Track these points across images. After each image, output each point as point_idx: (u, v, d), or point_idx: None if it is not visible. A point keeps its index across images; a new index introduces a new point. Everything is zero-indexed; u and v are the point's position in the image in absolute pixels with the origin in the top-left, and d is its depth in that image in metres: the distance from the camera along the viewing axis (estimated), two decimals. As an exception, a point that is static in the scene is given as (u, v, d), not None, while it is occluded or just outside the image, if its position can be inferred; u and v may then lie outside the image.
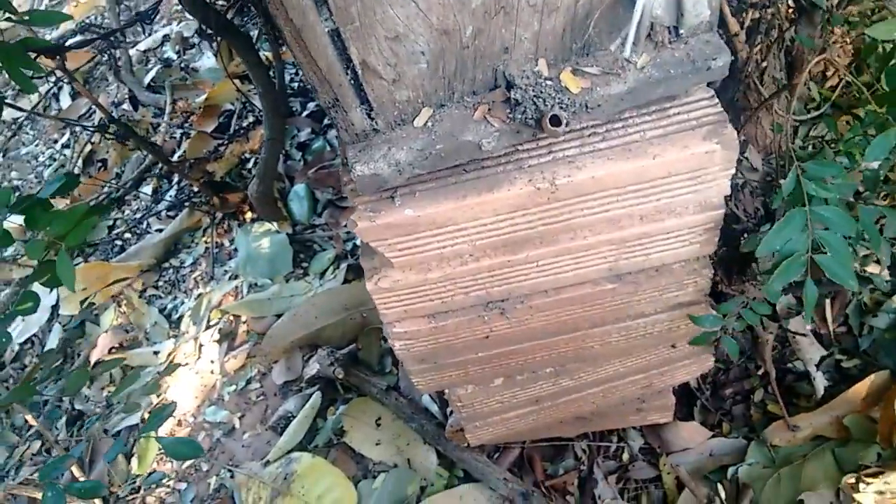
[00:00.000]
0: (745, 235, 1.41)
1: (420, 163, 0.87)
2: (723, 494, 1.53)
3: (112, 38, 2.26)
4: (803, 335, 1.53)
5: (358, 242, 2.39)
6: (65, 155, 3.37)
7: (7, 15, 1.21)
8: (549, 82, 0.84)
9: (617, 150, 0.90)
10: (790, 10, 1.37)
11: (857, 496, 1.30)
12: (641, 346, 1.27)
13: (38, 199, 1.18)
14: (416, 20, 0.77)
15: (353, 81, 0.82)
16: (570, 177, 0.90)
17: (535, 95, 0.83)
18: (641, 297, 1.13)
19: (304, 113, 2.96)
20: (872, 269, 1.52)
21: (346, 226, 2.48)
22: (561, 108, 0.83)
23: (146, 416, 2.08)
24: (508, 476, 1.64)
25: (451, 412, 1.67)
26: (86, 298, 2.39)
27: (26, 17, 1.21)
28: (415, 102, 0.87)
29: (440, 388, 1.30)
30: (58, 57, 1.52)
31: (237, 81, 2.92)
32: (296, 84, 3.13)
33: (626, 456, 1.68)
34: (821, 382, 1.52)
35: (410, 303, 1.07)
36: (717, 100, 0.91)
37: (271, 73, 2.64)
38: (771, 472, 1.48)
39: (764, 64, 1.38)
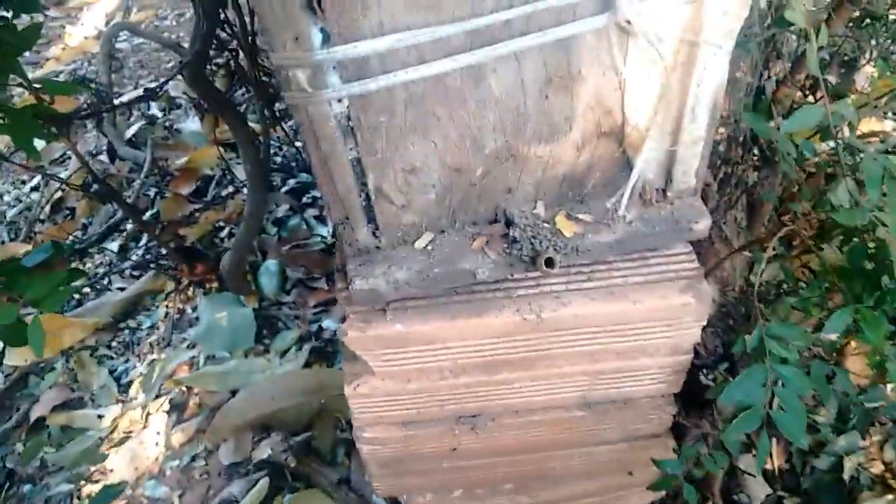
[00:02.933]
0: (705, 371, 1.48)
1: (417, 283, 0.91)
2: None
3: (105, 98, 2.29)
4: (752, 475, 1.58)
5: (326, 325, 2.40)
6: (32, 199, 3.32)
7: (19, 81, 1.24)
8: (545, 225, 0.91)
9: (601, 292, 0.96)
10: (756, 159, 1.49)
11: None
12: (601, 471, 1.30)
13: (21, 266, 1.17)
14: (433, 158, 0.83)
15: (364, 203, 0.86)
16: (556, 311, 0.95)
17: (532, 235, 0.89)
18: (607, 426, 1.17)
19: (284, 189, 3.01)
20: (819, 417, 1.59)
21: (313, 306, 2.48)
22: (555, 249, 0.89)
23: (83, 484, 1.99)
24: (452, 587, 1.61)
25: (403, 515, 1.65)
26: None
27: (39, 86, 1.24)
28: (419, 226, 0.92)
29: (399, 493, 1.30)
30: (63, 128, 1.54)
31: (221, 149, 2.97)
32: (279, 159, 3.19)
33: (571, 576, 1.67)
34: (765, 522, 1.56)
35: (386, 410, 1.08)
36: (694, 256, 0.99)
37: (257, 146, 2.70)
38: None
39: (730, 210, 1.49)
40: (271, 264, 2.58)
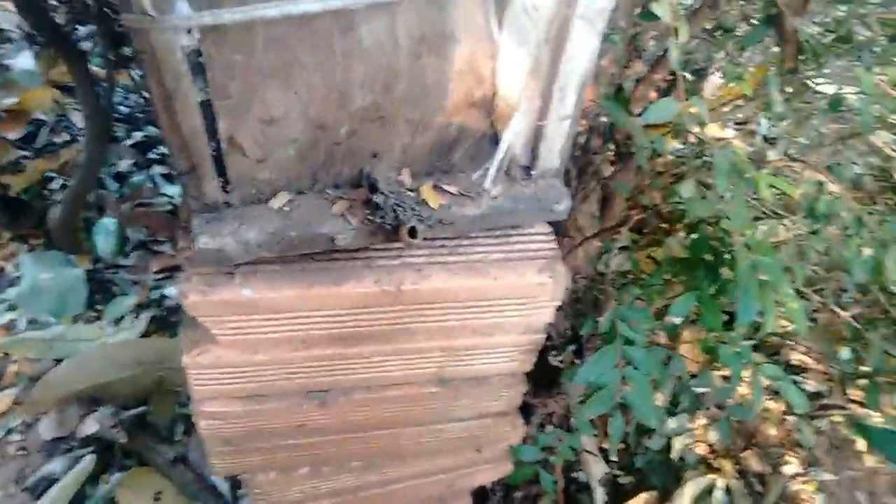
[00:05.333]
0: (555, 352, 1.52)
1: (270, 245, 0.84)
2: None
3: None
4: (592, 453, 1.66)
5: (169, 293, 2.23)
6: None
7: None
8: (410, 193, 0.87)
9: (462, 266, 0.94)
10: (612, 153, 1.55)
11: None
12: (450, 449, 1.30)
13: None
14: (295, 109, 0.76)
15: (214, 154, 0.78)
16: (416, 284, 0.92)
17: (396, 203, 0.85)
18: (459, 403, 1.16)
19: (128, 142, 2.76)
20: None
21: (155, 272, 2.30)
22: (419, 220, 0.86)
23: None
24: (292, 567, 1.55)
25: (243, 495, 1.57)
26: None
27: None
28: (275, 184, 0.85)
29: (241, 472, 1.22)
30: None
31: (57, 92, 2.66)
32: (124, 109, 2.92)
33: (415, 552, 1.68)
34: (600, 497, 1.64)
35: (228, 382, 1.01)
36: (553, 237, 1.00)
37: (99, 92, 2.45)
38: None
39: (586, 201, 1.54)
40: (109, 223, 2.36)
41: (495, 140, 0.88)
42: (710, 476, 1.73)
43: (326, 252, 0.91)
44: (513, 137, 0.84)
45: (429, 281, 0.92)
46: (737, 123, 2.24)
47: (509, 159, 0.89)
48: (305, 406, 1.08)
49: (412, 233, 0.84)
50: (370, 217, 0.86)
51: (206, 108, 0.73)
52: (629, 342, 1.01)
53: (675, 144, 1.39)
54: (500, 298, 0.97)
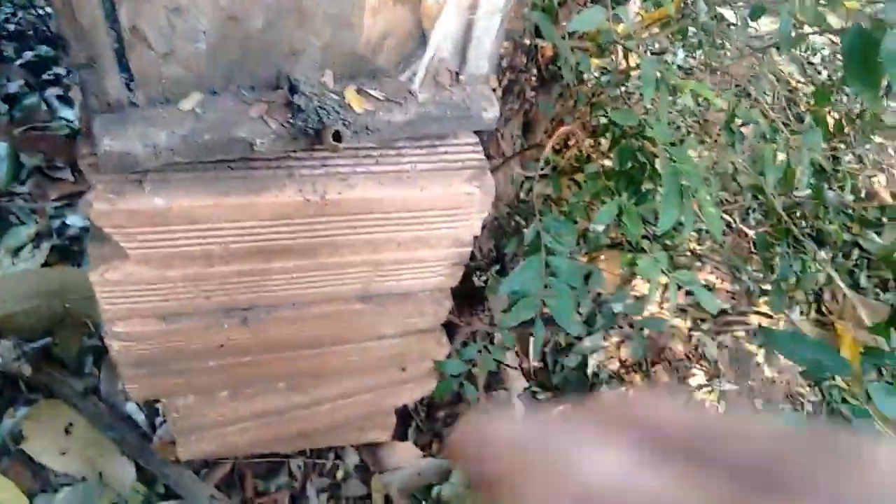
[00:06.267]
0: (478, 272, 1.54)
1: (182, 150, 0.79)
2: (425, 511, 1.62)
3: None
4: (512, 367, 1.71)
5: (70, 222, 2.09)
6: None
7: None
8: (333, 96, 0.83)
9: (389, 177, 0.92)
10: (535, 79, 1.54)
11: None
12: (376, 367, 1.30)
13: None
14: (205, -3, 0.70)
15: (116, 45, 0.71)
16: (341, 194, 0.89)
17: (318, 106, 0.81)
18: (385, 320, 1.16)
19: (18, 62, 2.52)
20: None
21: (54, 199, 2.15)
22: (343, 124, 0.82)
23: None
24: (216, 493, 1.54)
25: (162, 423, 1.53)
26: None
27: None
28: (185, 83, 0.79)
29: (157, 396, 1.18)
30: None
31: (-71, 2, 2.38)
32: (11, 26, 2.65)
33: (340, 474, 1.69)
34: (519, 412, 1.70)
35: (141, 301, 0.96)
36: (480, 147, 0.98)
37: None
38: (471, 492, 1.61)
39: (509, 123, 1.53)
40: (1, 148, 2.17)
41: (423, 41, 0.85)
42: (622, 389, 1.83)
43: (244, 160, 0.86)
44: (440, 39, 0.81)
45: (355, 191, 0.89)
46: (653, 53, 2.27)
47: (437, 62, 0.86)
48: (225, 325, 1.04)
49: (337, 137, 0.80)
50: (291, 120, 0.81)
51: (104, -10, 0.66)
52: (552, 254, 1.02)
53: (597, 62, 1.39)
54: (427, 210, 0.95)
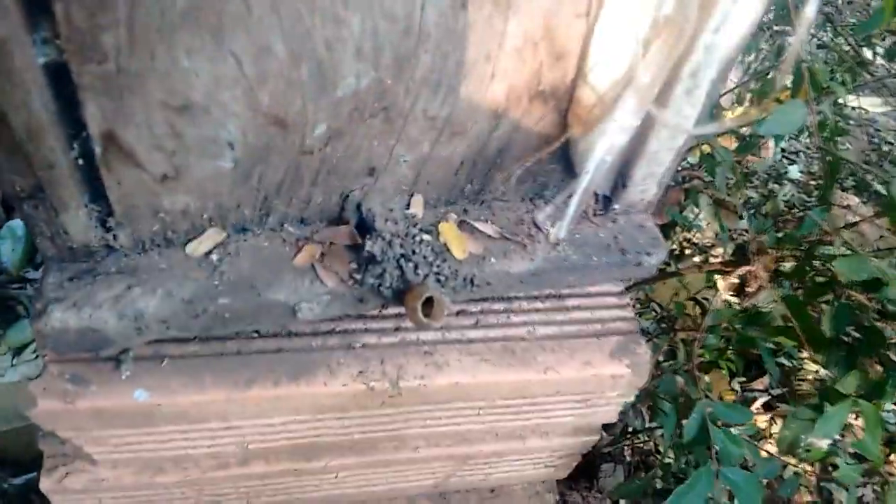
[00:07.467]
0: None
1: (182, 322, 0.49)
2: None
3: None
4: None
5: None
6: None
7: None
8: (425, 237, 0.53)
9: (495, 349, 0.60)
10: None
11: None
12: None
13: None
14: (232, 91, 0.41)
15: (81, 163, 0.43)
16: (423, 379, 0.58)
17: (402, 254, 0.51)
18: (463, 520, 0.83)
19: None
20: None
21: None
22: (439, 280, 0.52)
23: None
24: None
25: None
26: None
27: None
28: (196, 217, 0.50)
29: None
30: None
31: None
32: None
33: None
34: None
35: (118, 511, 0.65)
36: (628, 299, 0.67)
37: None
38: None
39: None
40: (16, 225, 1.94)
41: (564, 155, 0.55)
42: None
43: (279, 327, 0.56)
44: (605, 151, 0.51)
45: (445, 374, 0.58)
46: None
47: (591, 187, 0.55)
48: (241, 536, 0.72)
49: (429, 305, 0.50)
50: (358, 274, 0.51)
51: (57, 80, 0.38)
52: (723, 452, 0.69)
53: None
54: (549, 396, 0.64)
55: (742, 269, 0.71)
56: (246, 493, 0.68)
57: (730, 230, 1.17)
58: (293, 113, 0.43)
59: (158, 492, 0.64)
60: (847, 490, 0.84)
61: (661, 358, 1.20)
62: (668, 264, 1.26)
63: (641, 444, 1.22)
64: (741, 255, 0.72)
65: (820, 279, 0.71)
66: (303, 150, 0.46)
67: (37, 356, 1.70)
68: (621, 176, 0.57)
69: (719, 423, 0.70)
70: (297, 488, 0.69)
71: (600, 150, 0.50)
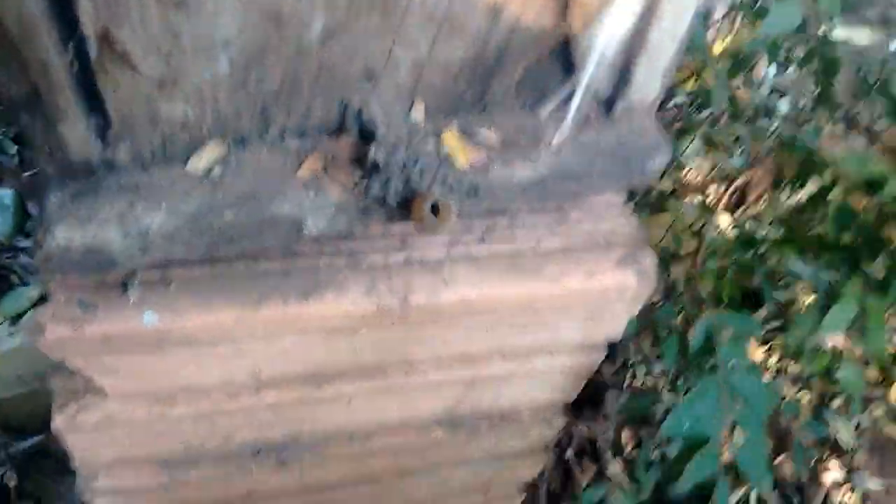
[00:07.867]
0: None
1: (188, 238, 0.48)
2: None
3: None
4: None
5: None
6: None
7: None
8: (428, 146, 0.52)
9: (500, 263, 0.60)
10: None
11: None
12: (451, 496, 0.98)
13: None
14: (226, -18, 0.40)
15: (76, 67, 0.41)
16: (433, 295, 0.57)
17: (405, 162, 0.50)
18: (472, 447, 0.83)
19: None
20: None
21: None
22: (445, 188, 0.51)
23: None
24: None
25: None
26: None
27: None
28: (195, 128, 0.49)
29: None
30: None
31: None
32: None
33: None
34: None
35: (131, 445, 0.65)
36: (631, 209, 0.67)
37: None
38: None
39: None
40: (5, 195, 1.93)
41: (564, 55, 0.54)
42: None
43: (285, 245, 0.56)
44: (605, 46, 0.50)
45: (452, 289, 0.58)
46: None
47: (589, 87, 0.54)
48: (254, 469, 0.73)
49: (435, 210, 0.49)
50: (363, 183, 0.51)
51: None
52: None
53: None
54: (557, 309, 0.64)
55: (745, 175, 0.70)
56: (258, 425, 0.68)
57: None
58: (288, 6, 0.42)
59: (171, 426, 0.63)
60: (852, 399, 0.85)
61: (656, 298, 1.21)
62: (662, 203, 1.27)
63: (644, 376, 1.23)
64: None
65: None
66: (299, 49, 0.45)
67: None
68: (622, 74, 0.56)
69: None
70: (309, 419, 0.69)
71: (601, 43, 0.49)
